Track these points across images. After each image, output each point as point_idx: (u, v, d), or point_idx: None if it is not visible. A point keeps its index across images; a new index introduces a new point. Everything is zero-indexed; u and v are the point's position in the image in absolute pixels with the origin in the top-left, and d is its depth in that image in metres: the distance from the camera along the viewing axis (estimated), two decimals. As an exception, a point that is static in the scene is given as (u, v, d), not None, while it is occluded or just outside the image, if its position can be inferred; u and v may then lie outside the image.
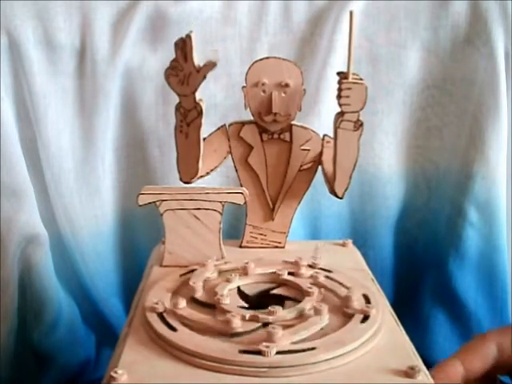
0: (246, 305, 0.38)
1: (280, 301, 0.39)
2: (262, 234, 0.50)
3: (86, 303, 0.64)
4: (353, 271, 0.45)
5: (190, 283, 0.40)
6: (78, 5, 0.60)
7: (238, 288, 0.41)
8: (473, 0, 0.61)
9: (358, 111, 0.44)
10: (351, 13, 0.43)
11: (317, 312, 0.36)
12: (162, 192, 0.45)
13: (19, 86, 0.59)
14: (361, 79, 0.44)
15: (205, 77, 0.44)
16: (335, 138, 0.45)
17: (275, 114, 0.47)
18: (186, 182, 0.47)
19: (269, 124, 0.48)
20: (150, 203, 0.45)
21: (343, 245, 0.52)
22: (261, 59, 0.47)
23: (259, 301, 0.40)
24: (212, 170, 0.48)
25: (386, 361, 0.33)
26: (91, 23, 0.59)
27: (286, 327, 0.34)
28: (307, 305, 0.37)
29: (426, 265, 0.66)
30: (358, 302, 0.38)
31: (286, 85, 0.46)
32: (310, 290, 0.39)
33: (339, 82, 0.44)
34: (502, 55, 0.60)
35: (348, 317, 0.37)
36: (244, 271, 0.42)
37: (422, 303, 0.66)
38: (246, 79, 0.47)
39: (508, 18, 0.60)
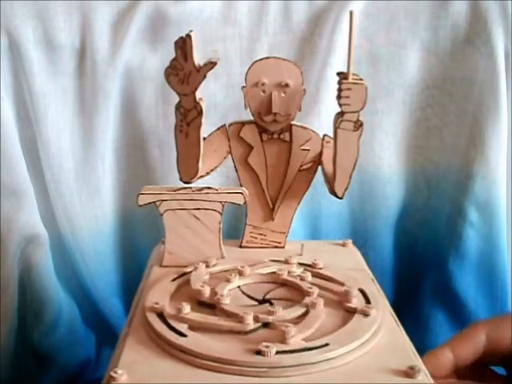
0: (255, 302, 0.39)
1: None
2: (261, 234, 0.50)
3: (86, 303, 0.64)
4: (353, 271, 0.45)
5: (198, 287, 0.39)
6: (78, 5, 0.60)
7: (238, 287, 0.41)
8: (473, 0, 0.61)
9: (357, 111, 0.44)
10: (351, 13, 0.43)
11: (316, 312, 0.36)
12: (162, 192, 0.45)
13: (19, 86, 0.59)
14: (361, 79, 0.44)
15: (205, 76, 0.44)
16: (335, 138, 0.45)
17: (275, 114, 0.47)
18: (186, 182, 0.47)
19: (269, 124, 0.47)
20: (150, 203, 0.45)
21: (343, 245, 0.52)
22: (261, 59, 0.47)
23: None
24: (212, 170, 0.48)
25: (385, 361, 0.33)
26: (91, 23, 0.59)
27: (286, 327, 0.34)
28: (307, 305, 0.37)
29: (426, 265, 0.66)
30: (356, 299, 0.38)
31: (286, 85, 0.46)
32: (309, 289, 0.39)
33: (339, 83, 0.44)
34: (502, 55, 0.60)
35: (348, 316, 0.37)
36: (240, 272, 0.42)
37: (422, 303, 0.66)
38: (245, 79, 0.47)
39: (508, 18, 0.60)
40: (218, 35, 0.61)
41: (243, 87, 0.47)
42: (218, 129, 0.49)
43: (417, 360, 0.34)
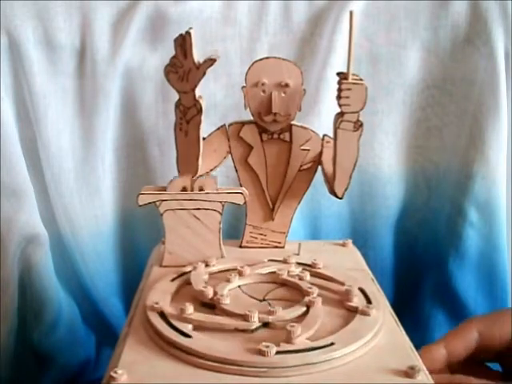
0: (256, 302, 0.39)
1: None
2: (261, 234, 0.50)
3: (86, 303, 0.64)
4: (353, 271, 0.45)
5: (201, 288, 0.39)
6: (78, 5, 0.60)
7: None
8: (473, 0, 0.61)
9: (357, 111, 0.44)
10: (351, 13, 0.43)
11: (316, 311, 0.36)
12: (162, 192, 0.45)
13: (19, 86, 0.59)
14: (361, 79, 0.44)
15: (204, 73, 0.44)
16: (335, 139, 0.45)
17: (275, 114, 0.47)
18: (185, 182, 0.47)
19: (269, 124, 0.47)
20: (150, 203, 0.45)
21: (343, 245, 0.52)
22: (261, 59, 0.47)
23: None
24: (212, 170, 0.48)
25: (386, 361, 0.33)
26: (91, 23, 0.59)
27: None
28: (307, 304, 0.37)
29: (426, 265, 0.66)
30: (357, 298, 0.38)
31: (286, 85, 0.46)
32: (309, 289, 0.39)
33: (339, 83, 0.44)
34: (502, 55, 0.60)
35: (349, 316, 0.37)
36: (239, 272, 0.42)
37: (422, 303, 0.66)
38: (245, 79, 0.47)
39: (508, 18, 0.60)
40: (217, 35, 0.61)
41: (243, 87, 0.47)
42: (218, 129, 0.49)
43: (417, 360, 0.34)
